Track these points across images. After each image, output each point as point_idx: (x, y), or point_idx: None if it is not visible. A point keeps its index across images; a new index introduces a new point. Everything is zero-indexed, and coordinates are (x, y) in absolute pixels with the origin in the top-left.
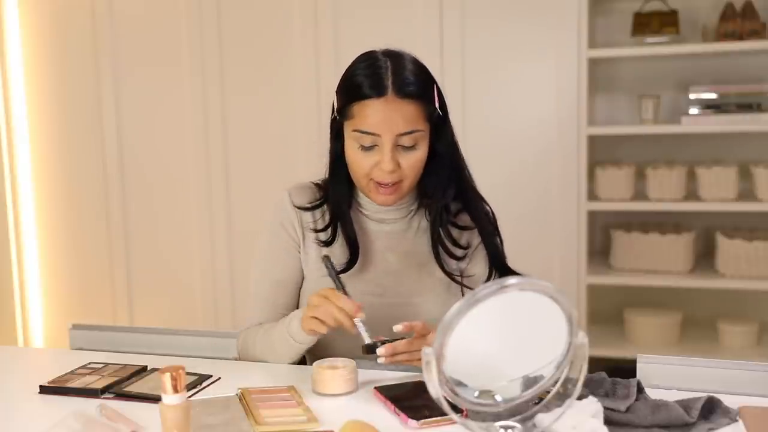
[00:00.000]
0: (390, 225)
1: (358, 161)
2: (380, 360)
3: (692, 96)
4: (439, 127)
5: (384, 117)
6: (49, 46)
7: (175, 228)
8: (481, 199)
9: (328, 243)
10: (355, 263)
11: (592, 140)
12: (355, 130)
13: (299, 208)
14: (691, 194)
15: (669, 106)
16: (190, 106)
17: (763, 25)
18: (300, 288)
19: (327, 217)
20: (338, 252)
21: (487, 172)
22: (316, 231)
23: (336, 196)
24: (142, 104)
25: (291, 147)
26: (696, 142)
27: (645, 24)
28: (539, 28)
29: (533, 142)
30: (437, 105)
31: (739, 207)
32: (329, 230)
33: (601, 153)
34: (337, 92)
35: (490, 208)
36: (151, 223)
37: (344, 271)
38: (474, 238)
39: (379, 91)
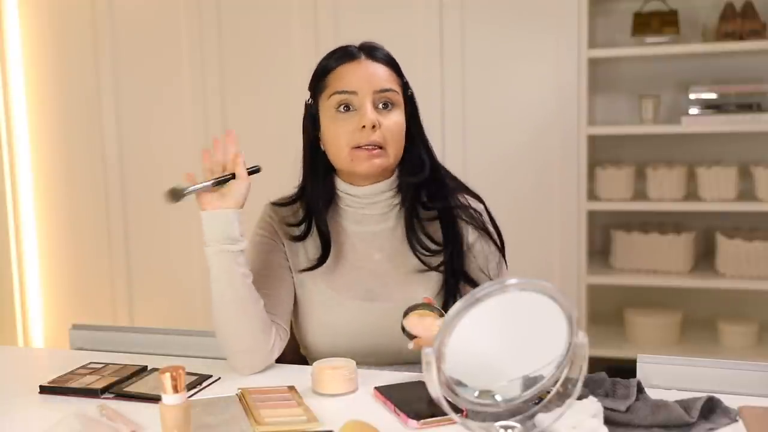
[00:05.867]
0: (372, 226)
1: (336, 130)
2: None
3: (692, 96)
4: (412, 114)
5: (360, 75)
6: (49, 46)
7: (175, 228)
8: (471, 193)
9: (300, 238)
10: (327, 258)
11: (592, 140)
12: (333, 94)
13: (275, 204)
14: (691, 194)
15: (669, 106)
16: (189, 105)
17: (763, 25)
18: (284, 285)
19: (301, 213)
20: (313, 250)
21: (487, 171)
22: (289, 225)
23: (312, 192)
24: (141, 104)
25: (291, 146)
26: (696, 142)
27: (645, 24)
28: (539, 28)
29: (533, 142)
30: (408, 93)
31: (739, 207)
32: (303, 225)
33: (601, 153)
34: (309, 86)
35: (485, 204)
36: (150, 223)
37: (317, 266)
38: (469, 234)
39: (351, 57)
